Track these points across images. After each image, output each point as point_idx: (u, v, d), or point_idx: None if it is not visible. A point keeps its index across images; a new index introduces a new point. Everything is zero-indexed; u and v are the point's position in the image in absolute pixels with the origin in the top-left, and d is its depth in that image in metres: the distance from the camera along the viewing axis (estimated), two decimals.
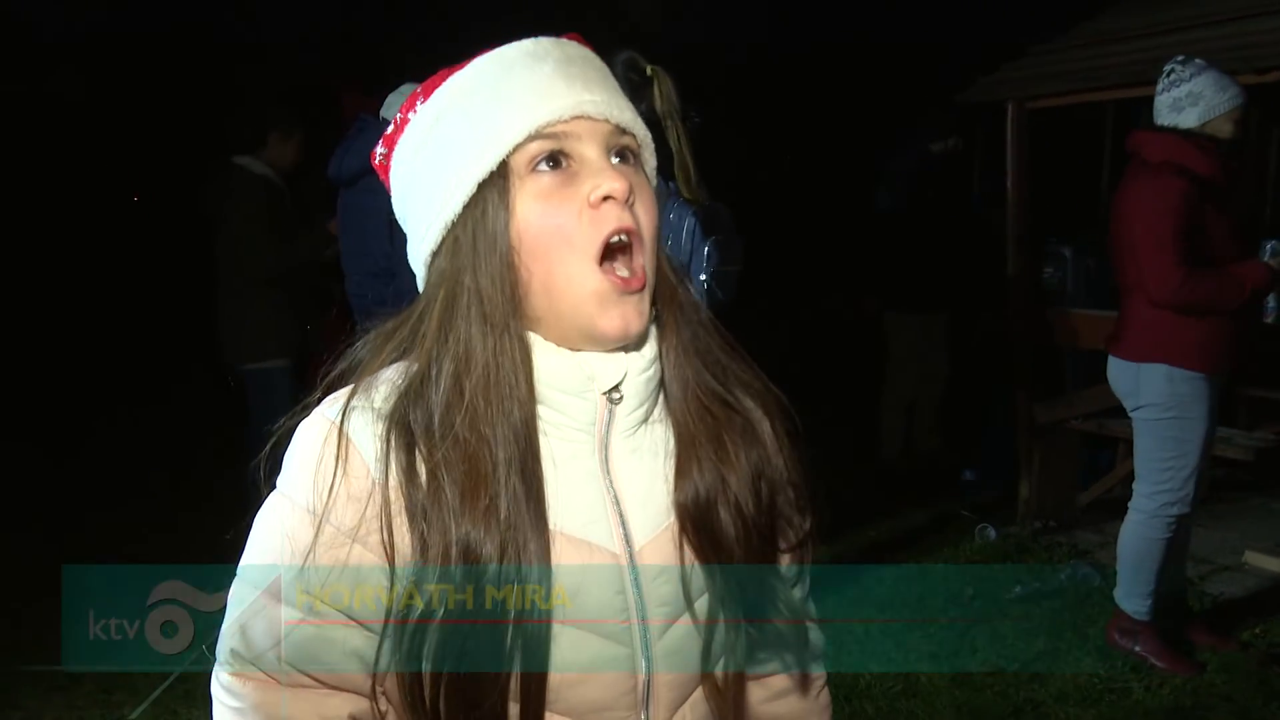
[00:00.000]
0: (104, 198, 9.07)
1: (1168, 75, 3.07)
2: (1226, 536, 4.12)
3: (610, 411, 0.94)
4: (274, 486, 0.93)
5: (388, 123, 3.26)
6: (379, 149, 0.99)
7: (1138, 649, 3.31)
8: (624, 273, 0.90)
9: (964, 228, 5.07)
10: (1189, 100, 3.01)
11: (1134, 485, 3.30)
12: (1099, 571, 4.00)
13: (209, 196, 4.30)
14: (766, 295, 7.86)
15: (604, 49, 1.01)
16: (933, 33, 8.47)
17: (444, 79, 0.94)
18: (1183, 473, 3.15)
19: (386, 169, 0.98)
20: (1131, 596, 3.30)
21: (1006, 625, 3.64)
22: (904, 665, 3.39)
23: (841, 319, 6.61)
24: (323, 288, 4.22)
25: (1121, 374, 3.26)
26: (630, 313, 0.90)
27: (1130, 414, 3.29)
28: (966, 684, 3.26)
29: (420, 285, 0.96)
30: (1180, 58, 3.09)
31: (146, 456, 5.79)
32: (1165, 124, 3.08)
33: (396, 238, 1.01)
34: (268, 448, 0.93)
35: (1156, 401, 3.14)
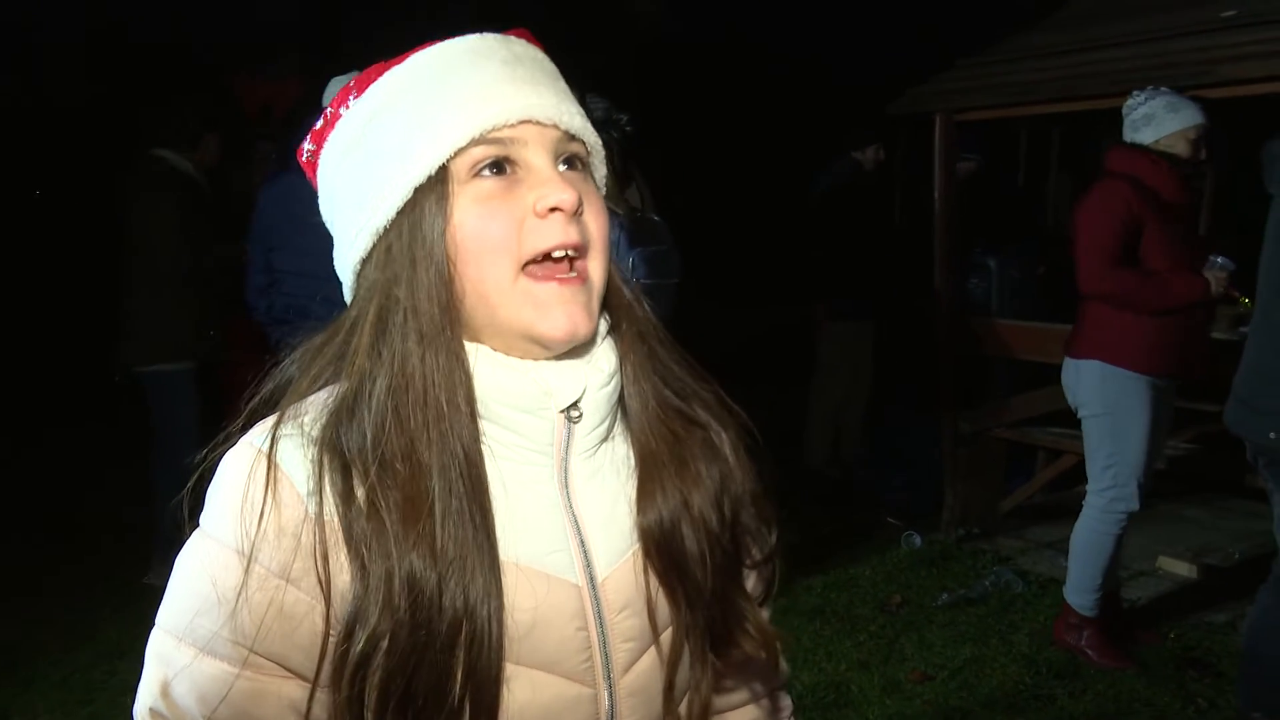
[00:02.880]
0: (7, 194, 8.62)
1: (1132, 99, 3.31)
2: (1140, 542, 4.21)
3: (569, 430, 0.87)
4: (196, 524, 0.84)
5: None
6: (306, 144, 0.90)
7: (1083, 644, 3.39)
8: (563, 270, 0.83)
9: (891, 236, 5.15)
10: (1144, 120, 3.26)
11: (1088, 484, 3.43)
12: (1021, 578, 4.07)
13: (124, 187, 4.10)
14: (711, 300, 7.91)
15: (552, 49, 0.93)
16: (860, 44, 8.60)
17: (379, 73, 0.86)
18: (1124, 471, 3.27)
19: (314, 167, 0.90)
20: (1080, 591, 3.40)
21: (934, 632, 3.67)
22: (835, 674, 3.39)
23: (778, 324, 6.66)
24: (229, 290, 4.04)
25: (1066, 372, 3.42)
26: (576, 311, 0.83)
27: (1076, 414, 3.43)
28: (897, 692, 3.27)
29: (347, 293, 0.88)
30: (1143, 86, 3.32)
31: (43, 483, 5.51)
32: (1128, 140, 3.30)
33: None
34: (190, 483, 0.83)
35: (1091, 399, 3.30)
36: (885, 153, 5.36)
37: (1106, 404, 3.26)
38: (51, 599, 4.00)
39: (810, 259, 5.36)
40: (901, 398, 5.88)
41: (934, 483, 4.73)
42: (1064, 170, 6.54)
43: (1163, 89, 3.29)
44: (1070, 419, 4.45)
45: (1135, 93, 3.30)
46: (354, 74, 2.93)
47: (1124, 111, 3.33)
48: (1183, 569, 4.16)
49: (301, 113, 3.21)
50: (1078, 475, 4.85)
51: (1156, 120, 3.22)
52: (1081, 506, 3.47)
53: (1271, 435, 2.51)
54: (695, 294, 3.04)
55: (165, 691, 0.82)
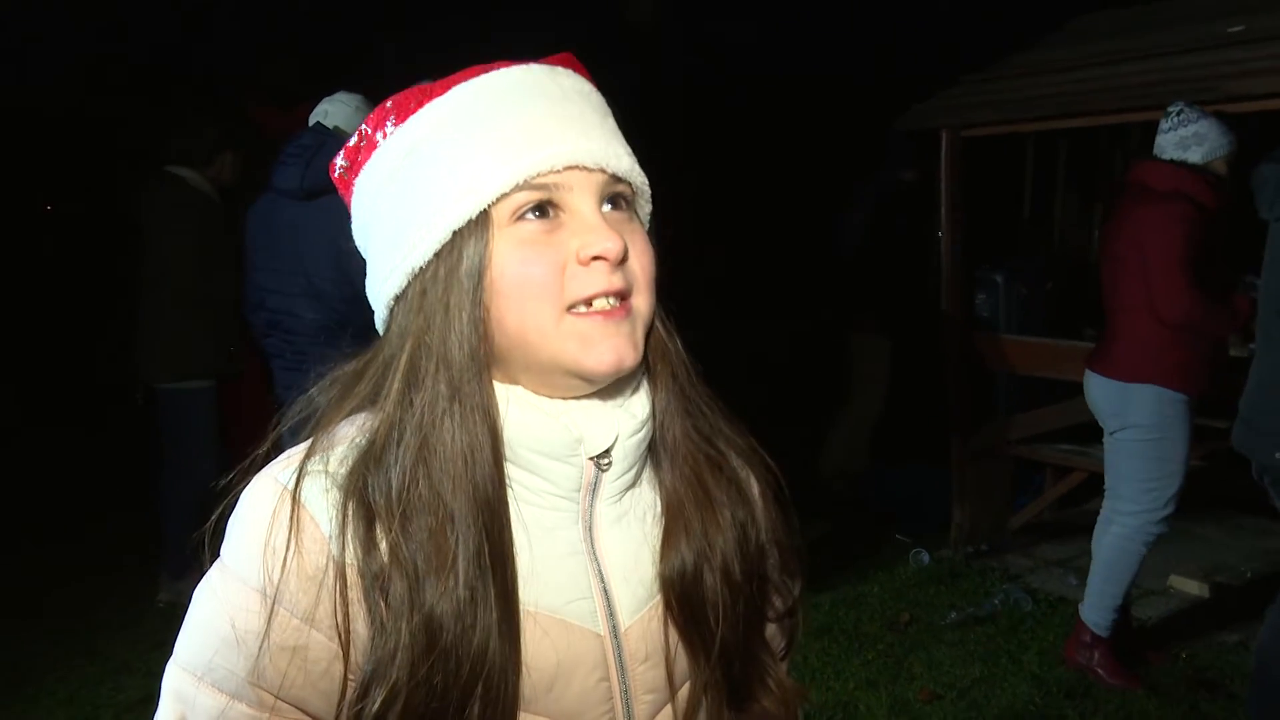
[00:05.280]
0: (21, 206, 8.71)
1: (1176, 115, 3.26)
2: (1151, 561, 4.15)
3: (598, 476, 0.86)
4: (215, 553, 0.83)
5: (344, 136, 3.13)
6: (340, 160, 0.89)
7: (1094, 664, 3.37)
8: (604, 305, 0.82)
9: (923, 254, 5.15)
10: (1195, 139, 3.21)
11: (1108, 502, 3.40)
12: (1030, 596, 4.04)
13: (141, 205, 4.12)
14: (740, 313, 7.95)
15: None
16: (867, 62, 8.64)
17: (420, 102, 0.84)
18: (1167, 491, 3.26)
19: (347, 185, 0.89)
20: (1099, 610, 3.38)
21: (943, 651, 3.64)
22: (842, 693, 3.37)
23: (807, 338, 6.66)
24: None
25: (1106, 393, 3.34)
26: (622, 343, 0.81)
27: (1111, 434, 3.37)
28: (905, 712, 3.25)
29: (379, 324, 0.87)
30: (1184, 102, 3.28)
31: (55, 490, 5.53)
32: (1172, 158, 3.24)
33: (344, 264, 0.92)
34: (215, 516, 0.82)
35: (1144, 422, 3.24)
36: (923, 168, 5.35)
37: (1162, 427, 3.23)
38: (54, 614, 4.00)
39: (851, 271, 5.36)
40: (910, 412, 5.86)
41: (942, 499, 4.71)
42: (1071, 186, 6.53)
43: (1196, 105, 3.27)
44: (1078, 436, 4.46)
45: (1183, 109, 3.25)
46: (352, 95, 2.90)
47: (1167, 126, 3.27)
48: (1194, 588, 4.13)
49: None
50: (1086, 492, 4.83)
51: (1210, 140, 3.19)
52: (1095, 524, 3.45)
53: (1277, 455, 2.50)
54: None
55: None
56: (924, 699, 3.31)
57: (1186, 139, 3.21)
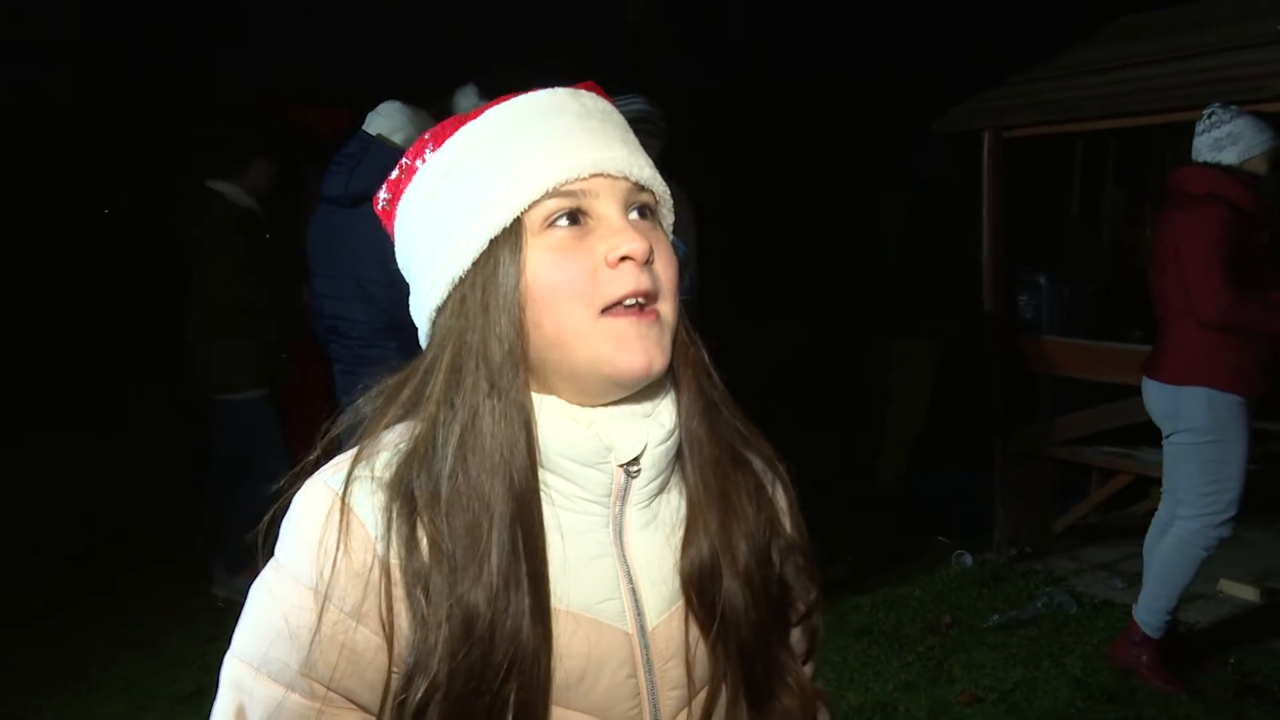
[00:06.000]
0: (73, 209, 8.94)
1: (1208, 117, 3.24)
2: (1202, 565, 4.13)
3: (627, 483, 0.90)
4: (269, 553, 0.89)
5: (387, 143, 3.22)
6: (383, 194, 0.95)
7: (1140, 661, 3.35)
8: (633, 304, 0.86)
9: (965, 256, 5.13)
10: (1229, 140, 3.19)
11: (1165, 505, 3.41)
12: (1074, 599, 4.00)
13: (184, 222, 4.23)
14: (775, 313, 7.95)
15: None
16: (911, 64, 8.57)
17: (455, 128, 0.90)
18: (1227, 495, 3.24)
19: (390, 215, 0.94)
20: (1153, 611, 3.36)
21: (984, 653, 3.63)
22: (881, 694, 3.37)
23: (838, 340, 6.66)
24: (296, 317, 4.15)
25: (1160, 398, 3.34)
26: (652, 347, 0.86)
27: (1166, 438, 3.37)
28: (945, 714, 3.24)
29: (423, 339, 0.93)
30: (1218, 103, 3.25)
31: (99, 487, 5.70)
32: (1206, 160, 3.23)
33: (390, 266, 0.97)
34: (267, 517, 0.88)
35: (1196, 425, 3.23)
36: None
37: (1216, 430, 3.21)
38: (109, 609, 4.13)
39: (893, 276, 5.35)
40: (954, 415, 5.83)
41: (986, 502, 4.68)
42: (1120, 185, 6.44)
43: (1232, 105, 3.24)
44: (1124, 438, 4.41)
45: (1214, 110, 3.24)
46: (395, 104, 2.98)
47: (1201, 129, 3.26)
48: (1245, 593, 4.07)
49: (340, 140, 3.32)
50: (1132, 495, 4.78)
51: (1244, 140, 3.17)
52: (1147, 526, 3.45)
53: None
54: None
55: (240, 717, 0.87)
56: (964, 701, 3.30)
57: (1220, 140, 3.19)
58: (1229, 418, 3.20)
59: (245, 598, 0.90)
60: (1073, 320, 4.74)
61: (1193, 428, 3.25)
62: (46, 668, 3.63)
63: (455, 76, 3.30)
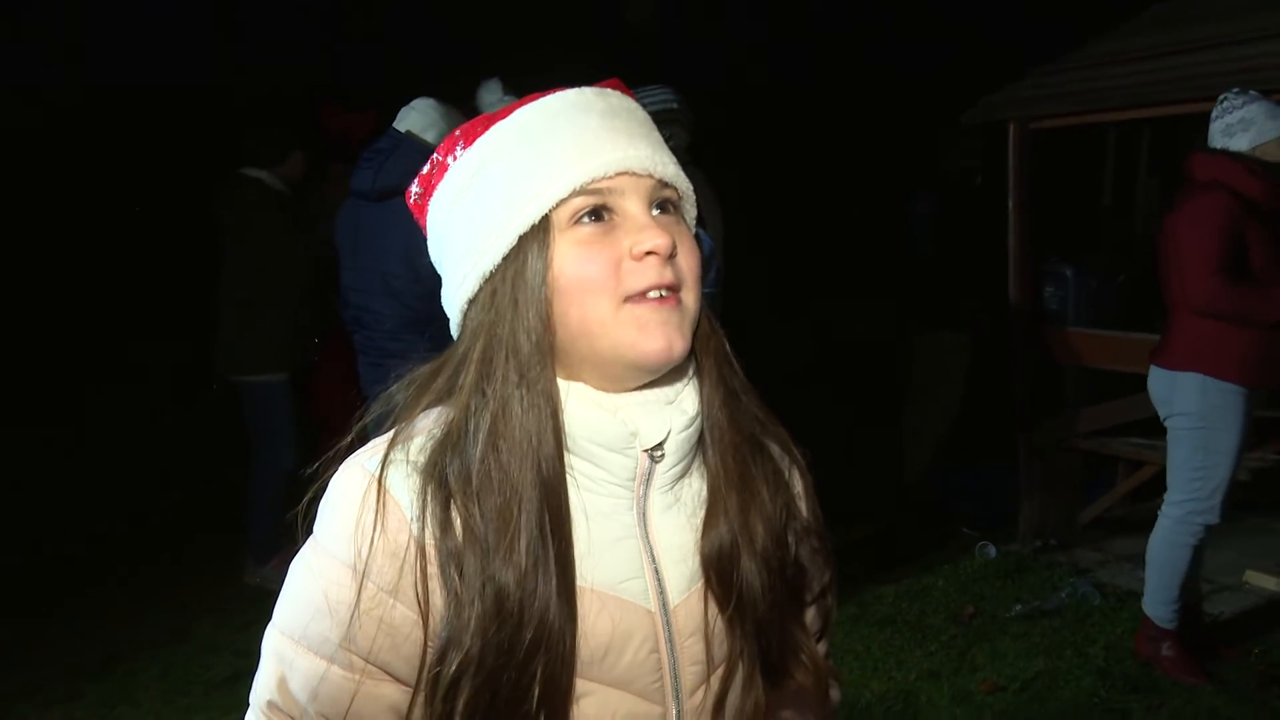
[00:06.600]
0: (103, 204, 9.11)
1: (1221, 103, 3.22)
2: (1226, 556, 4.11)
3: (651, 467, 0.94)
4: (308, 532, 0.93)
5: (418, 141, 3.28)
6: (414, 188, 0.99)
7: (1162, 654, 3.35)
8: (656, 295, 0.89)
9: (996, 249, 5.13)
10: (1240, 126, 3.17)
11: (1165, 494, 3.39)
12: (1099, 590, 4.00)
13: (220, 206, 4.32)
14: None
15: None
16: (933, 55, 8.54)
17: (485, 127, 0.94)
18: (1211, 483, 3.23)
19: (422, 210, 0.99)
20: (1157, 603, 3.37)
21: (1007, 643, 3.64)
22: (904, 683, 3.39)
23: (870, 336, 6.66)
24: (324, 302, 4.23)
25: (1158, 382, 3.37)
26: (672, 332, 0.89)
27: (1164, 422, 3.38)
28: (967, 702, 3.26)
29: (454, 330, 0.97)
30: (1235, 89, 3.23)
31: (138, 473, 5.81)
32: (1217, 147, 3.22)
33: (415, 261, 1.02)
34: (306, 500, 0.93)
35: (1189, 410, 3.24)
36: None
37: (1205, 416, 3.21)
38: (142, 596, 4.21)
39: (927, 269, 5.34)
40: (982, 406, 5.81)
41: (1011, 493, 4.68)
42: (1153, 175, 6.38)
43: (1250, 90, 3.22)
44: (1151, 429, 4.39)
45: (1227, 96, 3.22)
46: (430, 101, 3.04)
47: (1215, 115, 3.25)
48: (1270, 584, 4.05)
49: (369, 140, 3.39)
50: (1159, 487, 4.75)
51: (1256, 125, 3.15)
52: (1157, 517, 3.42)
53: None
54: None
55: (282, 687, 0.92)
56: (986, 690, 3.32)
57: (1231, 126, 3.17)
58: (1222, 405, 3.19)
59: (276, 584, 0.95)
60: (1102, 311, 4.73)
61: (1185, 412, 3.26)
62: (80, 654, 3.72)
63: (464, 78, 3.35)
